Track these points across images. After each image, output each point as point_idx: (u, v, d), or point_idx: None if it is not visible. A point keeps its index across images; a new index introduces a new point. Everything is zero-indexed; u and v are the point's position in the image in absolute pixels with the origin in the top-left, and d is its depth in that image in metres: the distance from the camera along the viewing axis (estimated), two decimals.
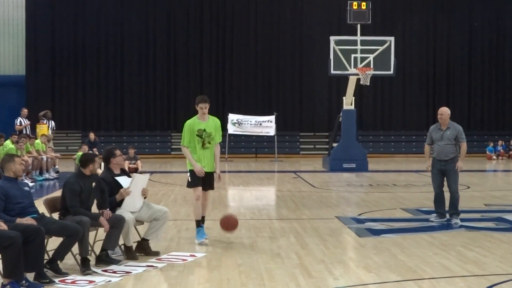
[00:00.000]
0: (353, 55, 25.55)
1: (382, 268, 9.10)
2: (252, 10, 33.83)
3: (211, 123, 10.96)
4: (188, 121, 10.93)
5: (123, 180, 9.84)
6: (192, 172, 10.73)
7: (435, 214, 13.02)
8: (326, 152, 28.75)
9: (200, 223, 10.88)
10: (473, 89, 34.53)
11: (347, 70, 25.55)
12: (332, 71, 25.72)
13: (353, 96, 25.84)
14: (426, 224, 12.96)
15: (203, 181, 10.89)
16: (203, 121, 10.85)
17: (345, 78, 25.84)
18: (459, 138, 12.67)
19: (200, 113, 10.88)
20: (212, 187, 11.39)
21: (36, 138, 22.87)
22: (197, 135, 10.69)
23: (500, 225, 12.77)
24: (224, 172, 26.20)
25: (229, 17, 34.12)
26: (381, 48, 25.67)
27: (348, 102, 25.86)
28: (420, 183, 20.96)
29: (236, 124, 31.57)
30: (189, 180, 10.91)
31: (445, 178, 12.84)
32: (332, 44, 25.60)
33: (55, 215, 9.31)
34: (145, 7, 33.71)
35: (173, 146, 33.97)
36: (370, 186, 20.66)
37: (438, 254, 10.00)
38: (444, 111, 12.78)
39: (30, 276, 8.03)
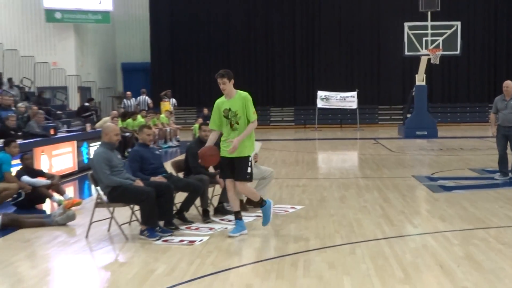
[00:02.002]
0: (424, 38, 25.21)
1: (455, 219, 8.97)
2: (336, 3, 33.51)
3: (238, 101, 8.04)
4: (216, 101, 8.24)
5: None
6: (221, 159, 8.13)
7: (499, 173, 12.65)
8: (401, 122, 28.45)
9: (261, 203, 8.20)
10: None
11: (419, 51, 25.20)
12: (406, 53, 25.45)
13: (424, 73, 25.47)
14: (491, 182, 12.68)
15: (228, 170, 8.09)
16: (228, 99, 8.10)
17: (417, 58, 25.42)
18: None
19: (227, 89, 8.10)
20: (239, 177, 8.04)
21: (160, 113, 23.41)
22: (224, 116, 8.01)
23: None
24: (314, 139, 26.31)
25: (317, 10, 33.86)
26: (449, 32, 25.21)
27: (420, 79, 25.50)
28: (484, 147, 20.41)
29: (324, 100, 31.54)
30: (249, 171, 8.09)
31: (508, 142, 12.49)
32: (406, 29, 25.29)
33: (180, 174, 9.53)
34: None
35: (271, 119, 34.21)
36: (440, 150, 20.25)
37: (503, 207, 9.79)
38: (509, 84, 12.42)
39: (162, 224, 8.25)
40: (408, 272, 6.32)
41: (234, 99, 8.06)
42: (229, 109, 7.99)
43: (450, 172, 14.43)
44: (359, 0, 33.38)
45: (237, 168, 7.96)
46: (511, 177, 12.55)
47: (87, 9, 30.00)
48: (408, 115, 26.47)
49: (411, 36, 25.27)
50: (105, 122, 19.72)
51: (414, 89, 25.77)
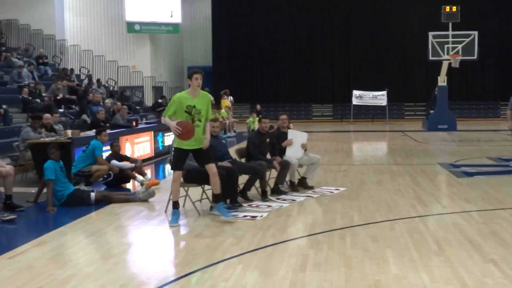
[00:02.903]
0: (445, 45, 24.97)
1: (478, 200, 8.73)
2: (370, 15, 33.07)
3: (202, 100, 7.34)
4: (178, 94, 7.44)
5: (290, 134, 9.88)
6: (176, 151, 7.40)
7: None
8: (425, 117, 27.97)
9: (177, 205, 7.48)
10: None
11: (441, 56, 24.98)
12: (430, 57, 25.29)
13: (445, 75, 25.07)
14: (507, 169, 12.38)
15: (198, 158, 7.54)
16: (193, 96, 7.28)
17: (439, 62, 25.03)
18: None
19: (195, 84, 7.25)
20: (211, 160, 7.50)
21: (221, 109, 23.46)
22: (185, 111, 7.18)
23: None
24: (350, 131, 26.05)
25: (353, 22, 33.50)
26: (467, 40, 24.87)
27: (442, 80, 25.11)
28: (498, 139, 19.95)
29: (358, 98, 31.38)
30: (173, 159, 7.52)
31: None
32: (430, 38, 25.11)
33: (242, 160, 9.50)
34: (293, 8, 33.56)
35: (313, 114, 34.07)
36: (460, 141, 19.83)
37: None
38: None
39: (228, 202, 8.21)
40: (442, 245, 6.17)
41: (199, 98, 7.34)
42: (194, 106, 7.23)
43: (470, 160, 14.11)
44: (389, 12, 32.88)
45: (206, 155, 7.43)
46: None
47: (161, 21, 30.28)
48: (431, 111, 26.11)
49: (434, 43, 25.11)
50: None
51: (436, 89, 25.38)
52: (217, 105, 25.10)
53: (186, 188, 8.14)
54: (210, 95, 7.69)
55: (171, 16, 30.47)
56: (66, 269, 5.55)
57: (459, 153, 15.75)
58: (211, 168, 7.39)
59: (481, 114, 32.97)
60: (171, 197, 7.61)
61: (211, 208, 7.93)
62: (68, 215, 8.16)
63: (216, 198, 7.56)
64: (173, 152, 7.44)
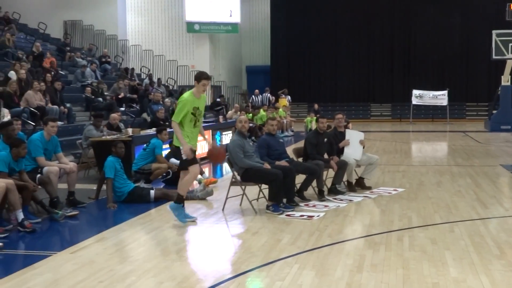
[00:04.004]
0: (510, 44, 24.29)
1: None
2: (431, 14, 32.39)
3: (203, 101, 7.36)
4: (187, 96, 7.17)
5: (348, 134, 9.83)
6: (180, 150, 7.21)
7: None
8: (487, 118, 27.21)
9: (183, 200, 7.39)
10: None
11: (506, 55, 24.34)
12: (494, 56, 24.74)
13: (510, 75, 24.40)
14: None
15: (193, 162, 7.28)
16: (197, 97, 7.22)
17: (503, 61, 24.39)
18: None
19: (201, 89, 7.21)
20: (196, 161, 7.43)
21: (279, 108, 23.49)
22: (192, 113, 7.11)
23: None
24: (409, 131, 25.61)
25: (413, 19, 32.88)
26: None
27: (505, 80, 24.60)
28: None
29: (418, 97, 30.83)
30: (183, 159, 7.21)
31: None
32: (494, 36, 24.55)
33: (300, 159, 9.49)
34: (351, 6, 33.28)
35: (372, 114, 33.69)
36: None
37: None
38: None
39: (285, 201, 8.22)
40: (504, 249, 6.01)
41: (201, 99, 7.31)
42: (198, 108, 7.19)
43: None
44: (451, 9, 32.06)
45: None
46: None
47: (220, 21, 30.53)
48: (494, 111, 25.49)
49: (498, 42, 24.49)
50: (230, 115, 20.12)
51: (500, 89, 24.78)
52: (275, 104, 25.23)
53: (243, 187, 8.20)
54: (205, 96, 7.59)
55: (230, 16, 30.69)
56: (126, 264, 5.70)
57: None
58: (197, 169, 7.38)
59: None
60: (181, 191, 7.33)
61: (268, 207, 7.96)
62: (128, 211, 8.36)
63: (181, 199, 7.33)
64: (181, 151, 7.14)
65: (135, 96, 19.53)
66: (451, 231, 6.84)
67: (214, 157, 7.14)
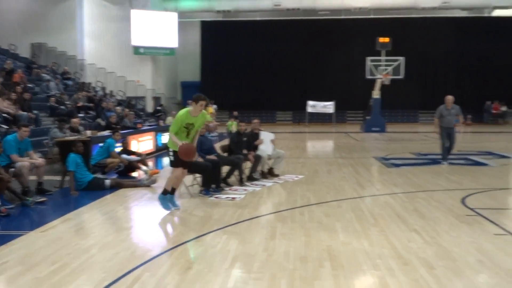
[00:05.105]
0: (379, 67, 25.20)
1: (404, 185, 8.88)
2: (321, 43, 33.12)
3: (200, 119, 6.82)
4: (181, 114, 6.70)
5: (262, 135, 9.91)
6: (175, 153, 6.68)
7: (442, 159, 11.79)
8: (362, 121, 28.04)
9: (168, 192, 6.96)
10: (448, 84, 32.83)
11: (376, 75, 25.15)
12: (368, 76, 25.51)
13: (379, 90, 25.25)
14: (425, 161, 12.48)
15: (186, 163, 6.81)
16: (194, 115, 6.70)
17: (374, 80, 25.24)
18: (459, 113, 11.68)
19: (198, 109, 6.67)
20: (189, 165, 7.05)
21: (207, 114, 23.26)
22: (184, 127, 6.66)
23: (468, 162, 12.13)
24: (305, 132, 26.11)
25: (309, 47, 33.53)
26: (395, 63, 25.16)
27: (376, 94, 25.26)
28: (417, 139, 20.22)
29: (312, 106, 31.38)
30: (172, 160, 6.79)
31: (449, 138, 11.70)
32: (367, 62, 25.30)
33: (225, 154, 9.47)
34: (264, 34, 33.49)
35: (277, 119, 34.05)
36: (389, 140, 20.06)
37: (434, 178, 9.66)
38: (450, 98, 11.63)
39: (214, 186, 8.17)
40: (377, 219, 6.26)
41: (198, 118, 6.74)
42: (192, 124, 6.68)
43: (397, 154, 14.30)
44: (337, 41, 32.93)
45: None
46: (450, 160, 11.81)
47: (161, 46, 29.94)
48: (367, 117, 26.26)
49: (371, 66, 25.28)
50: (169, 120, 19.79)
51: (371, 100, 25.53)
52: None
53: None
54: (206, 113, 7.03)
55: (169, 41, 30.19)
56: (88, 240, 5.50)
57: (388, 149, 15.91)
58: (185, 173, 6.98)
59: (405, 119, 33.25)
60: (167, 186, 6.95)
61: (200, 191, 7.91)
62: (88, 197, 8.04)
63: (166, 191, 6.92)
64: (172, 153, 6.74)
65: (91, 104, 18.79)
66: (339, 207, 7.05)
67: (184, 154, 6.46)
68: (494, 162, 12.16)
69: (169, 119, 20.49)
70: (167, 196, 6.92)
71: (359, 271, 4.35)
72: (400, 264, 4.52)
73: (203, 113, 6.91)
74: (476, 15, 33.11)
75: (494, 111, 32.15)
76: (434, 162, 12.09)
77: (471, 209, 6.78)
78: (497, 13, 32.79)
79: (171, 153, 6.75)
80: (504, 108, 32.06)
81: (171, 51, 30.95)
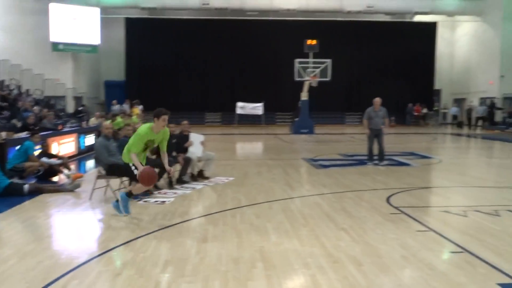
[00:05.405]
0: (307, 70, 25.75)
1: (332, 185, 9.22)
2: (251, 44, 33.48)
3: (161, 136, 6.49)
4: (143, 131, 6.38)
5: (191, 137, 9.91)
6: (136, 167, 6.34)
7: (368, 159, 12.32)
8: (291, 123, 28.56)
9: (132, 195, 6.71)
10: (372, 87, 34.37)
11: (304, 77, 25.65)
12: (296, 78, 25.91)
13: (307, 92, 25.81)
14: (351, 162, 12.96)
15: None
16: (155, 132, 6.40)
17: (302, 82, 25.76)
18: (385, 115, 12.19)
19: (161, 125, 6.35)
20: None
21: (132, 115, 22.79)
22: (144, 143, 6.43)
23: (392, 162, 12.68)
24: (235, 134, 26.29)
25: (239, 47, 33.78)
26: (323, 65, 25.79)
27: (304, 95, 25.67)
28: (344, 140, 21.05)
29: (241, 108, 31.73)
30: (134, 174, 6.44)
31: (376, 139, 12.20)
32: (296, 64, 25.78)
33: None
34: (191, 34, 33.32)
35: (206, 121, 33.97)
36: (317, 141, 20.67)
37: (361, 178, 10.06)
38: (378, 100, 12.14)
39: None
40: (307, 219, 6.49)
41: (159, 134, 6.44)
42: (153, 141, 6.46)
43: (325, 155, 14.74)
44: (267, 43, 33.30)
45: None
46: (375, 162, 12.26)
47: (82, 43, 28.86)
48: (296, 119, 26.74)
49: (299, 68, 25.75)
50: (93, 121, 19.16)
51: (300, 102, 25.98)
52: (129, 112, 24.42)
53: (108, 180, 7.93)
54: (167, 130, 6.65)
55: (91, 38, 29.19)
56: (7, 248, 5.25)
57: (317, 151, 16.35)
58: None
59: (332, 121, 34.15)
60: (132, 190, 6.62)
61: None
62: (4, 204, 7.61)
63: (131, 194, 6.64)
64: (133, 168, 6.39)
65: (5, 104, 17.76)
66: (270, 208, 7.22)
67: (147, 180, 6.14)
68: (416, 162, 12.94)
69: (92, 120, 19.82)
70: (129, 198, 6.58)
71: (291, 271, 4.52)
72: (330, 262, 4.74)
73: (166, 130, 6.55)
74: (398, 20, 35.01)
75: (415, 113, 34.12)
76: (361, 163, 12.61)
77: (395, 207, 7.21)
78: (418, 18, 34.88)
79: (132, 168, 6.39)
80: (425, 110, 34.12)
81: (93, 49, 29.94)
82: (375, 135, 12.19)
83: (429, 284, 4.22)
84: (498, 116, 30.52)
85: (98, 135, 15.31)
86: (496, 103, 30.93)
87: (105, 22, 31.13)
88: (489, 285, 4.20)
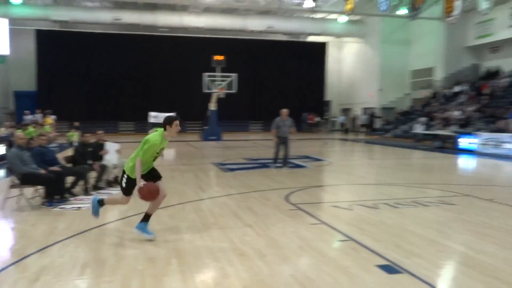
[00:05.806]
0: (215, 82, 25.98)
1: (238, 186, 9.36)
2: (163, 59, 32.99)
3: (166, 143, 5.69)
4: (156, 139, 5.48)
5: (107, 145, 9.61)
6: (130, 181, 5.52)
7: (273, 163, 12.48)
8: (201, 131, 28.57)
9: (104, 204, 5.85)
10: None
11: (212, 89, 25.85)
12: (205, 90, 26.03)
13: (215, 102, 26.00)
14: (255, 166, 13.19)
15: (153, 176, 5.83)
16: (165, 139, 5.61)
17: (211, 93, 25.95)
18: (292, 125, 12.44)
19: (174, 131, 5.52)
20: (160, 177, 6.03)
21: (45, 125, 21.43)
22: (156, 151, 5.60)
23: (290, 165, 12.94)
24: None
25: (151, 60, 33.12)
26: (229, 79, 26.19)
27: (212, 106, 25.96)
28: (249, 146, 21.39)
29: (154, 117, 31.01)
30: (124, 187, 5.57)
31: (284, 146, 12.35)
32: (204, 77, 25.88)
33: (69, 165, 8.95)
34: (109, 49, 32.07)
35: (120, 129, 32.85)
36: (225, 147, 20.81)
37: (263, 179, 10.35)
38: (285, 111, 12.35)
39: (58, 197, 7.69)
40: (217, 218, 6.59)
41: (167, 141, 5.68)
42: (163, 148, 5.70)
43: (232, 160, 14.92)
44: (177, 57, 33.09)
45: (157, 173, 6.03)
46: (277, 165, 12.47)
47: None
48: (205, 127, 26.82)
49: (208, 80, 25.91)
50: (2, 131, 17.75)
51: (209, 111, 26.14)
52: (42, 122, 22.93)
53: (21, 189, 7.43)
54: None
55: None
56: None
57: (224, 156, 16.54)
58: (162, 188, 5.78)
59: (238, 129, 34.62)
60: (109, 203, 5.92)
61: (43, 203, 7.35)
62: None
63: (145, 217, 5.74)
64: (125, 180, 5.54)
65: None
66: (183, 209, 7.23)
67: (149, 195, 5.44)
68: (310, 164, 13.59)
69: (1, 130, 18.34)
70: (101, 206, 5.82)
71: (203, 265, 4.60)
72: (237, 255, 4.89)
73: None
74: (295, 40, 36.49)
75: (309, 121, 35.68)
76: (264, 166, 12.95)
77: (293, 204, 7.55)
78: (311, 38, 36.63)
79: (125, 179, 5.52)
80: (317, 119, 35.82)
81: (1, 59, 27.73)
82: (282, 142, 12.42)
83: (321, 269, 4.51)
84: (378, 123, 32.90)
85: (9, 145, 14.24)
86: (376, 112, 33.36)
87: (15, 33, 29.02)
88: (369, 266, 4.59)
